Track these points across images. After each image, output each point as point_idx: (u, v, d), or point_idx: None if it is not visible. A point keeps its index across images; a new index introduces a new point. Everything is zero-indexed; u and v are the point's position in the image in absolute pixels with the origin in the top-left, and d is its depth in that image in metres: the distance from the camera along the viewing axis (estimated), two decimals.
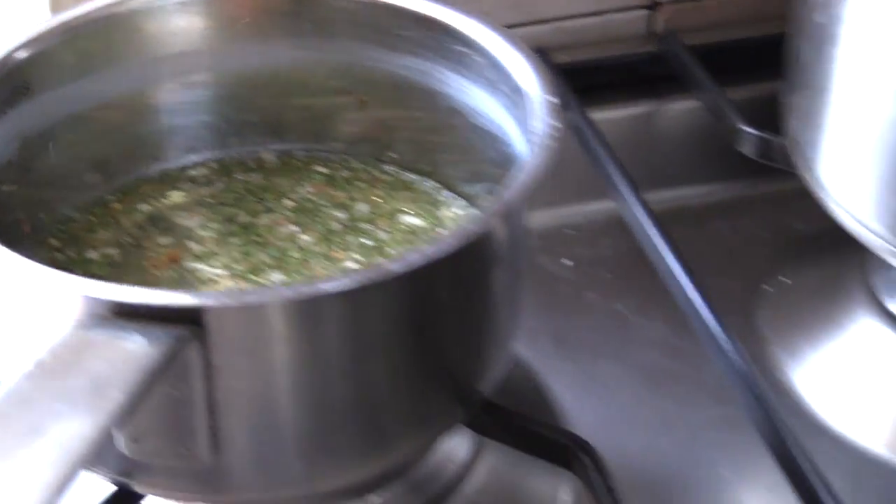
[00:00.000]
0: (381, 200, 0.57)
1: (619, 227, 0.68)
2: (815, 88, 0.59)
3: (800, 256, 0.70)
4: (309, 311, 0.41)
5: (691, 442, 0.60)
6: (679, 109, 0.76)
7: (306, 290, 0.40)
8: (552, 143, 0.45)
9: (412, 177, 0.59)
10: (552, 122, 0.46)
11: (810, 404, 0.62)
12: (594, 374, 0.64)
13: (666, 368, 0.64)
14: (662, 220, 0.67)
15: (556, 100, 0.47)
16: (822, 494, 0.49)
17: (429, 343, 0.45)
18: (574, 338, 0.66)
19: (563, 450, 0.51)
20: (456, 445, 0.55)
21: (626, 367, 0.64)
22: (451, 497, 0.54)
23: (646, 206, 0.64)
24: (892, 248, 0.57)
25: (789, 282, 0.69)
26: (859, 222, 0.58)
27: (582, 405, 0.62)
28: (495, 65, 0.51)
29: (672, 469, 0.59)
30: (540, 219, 0.72)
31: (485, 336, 0.47)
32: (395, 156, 0.59)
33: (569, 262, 0.71)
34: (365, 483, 0.50)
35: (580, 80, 0.73)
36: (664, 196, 0.74)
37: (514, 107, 0.50)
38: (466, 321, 0.45)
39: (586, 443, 0.52)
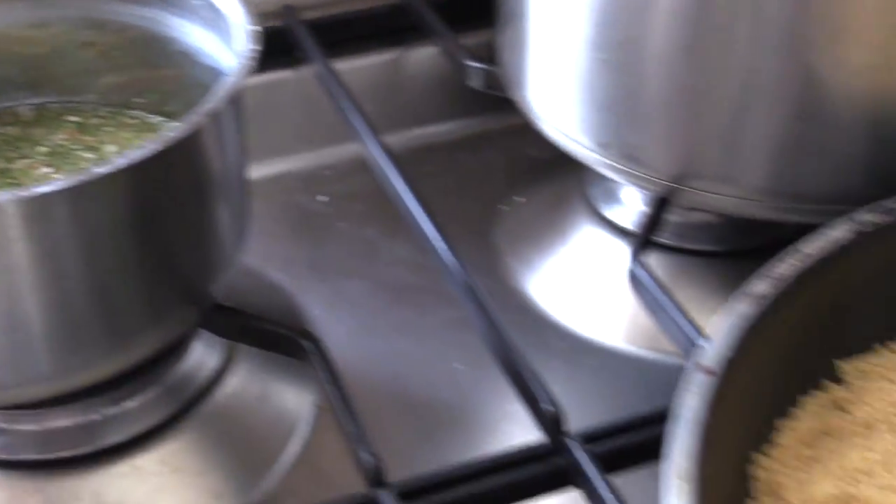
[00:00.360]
0: (129, 141, 0.63)
1: (368, 165, 0.74)
2: (515, 16, 0.66)
3: (532, 179, 0.78)
4: (32, 211, 0.46)
5: (429, 342, 0.67)
6: (422, 55, 0.82)
7: (24, 193, 0.46)
8: (249, 62, 0.52)
9: (157, 119, 0.64)
10: (251, 45, 0.53)
11: (543, 307, 0.69)
12: (344, 292, 0.70)
13: (409, 282, 0.71)
14: (412, 156, 0.74)
15: (257, 28, 0.54)
16: (531, 381, 0.55)
17: (152, 242, 0.50)
18: (327, 262, 0.72)
19: (290, 341, 0.57)
20: (208, 352, 0.61)
21: (374, 284, 0.71)
22: (204, 400, 0.60)
23: (383, 146, 0.70)
24: (599, 158, 0.64)
25: (522, 200, 0.76)
26: (569, 137, 0.65)
27: (332, 319, 0.68)
28: (209, 5, 0.57)
29: (411, 365, 0.66)
30: (297, 162, 0.79)
31: (207, 239, 0.53)
32: (141, 101, 0.64)
33: (324, 198, 0.77)
34: (117, 384, 0.56)
35: (329, 34, 0.80)
36: (414, 134, 0.81)
37: (229, 40, 0.56)
38: (185, 222, 0.51)
39: (308, 331, 0.58)
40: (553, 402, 0.52)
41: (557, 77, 0.63)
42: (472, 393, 0.64)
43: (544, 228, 0.73)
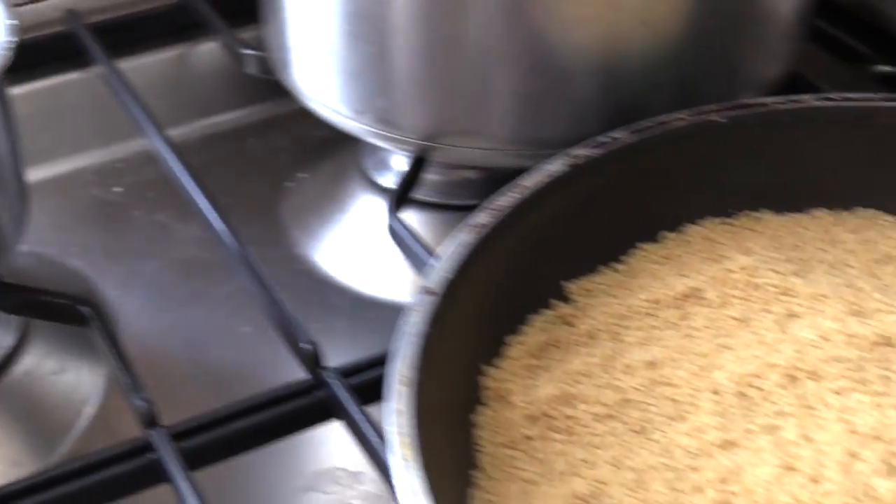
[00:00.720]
0: None
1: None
2: (275, 2, 0.71)
3: (315, 157, 0.83)
4: None
5: (218, 310, 0.72)
6: (204, 51, 0.87)
7: None
8: (7, 52, 0.56)
9: None
10: (9, 37, 0.57)
11: (326, 271, 0.75)
12: (139, 272, 0.75)
13: (199, 259, 0.75)
14: (202, 145, 0.79)
15: (14, 22, 0.58)
16: (291, 325, 0.60)
17: None
18: (123, 247, 0.77)
19: (70, 310, 0.62)
20: (0, 332, 0.65)
21: (167, 263, 0.75)
22: (1, 378, 0.64)
23: (165, 138, 0.75)
24: (358, 125, 0.69)
25: (306, 177, 0.81)
26: (330, 109, 0.70)
27: (128, 297, 0.73)
28: None
29: (201, 332, 0.70)
30: (92, 158, 0.83)
31: None
32: None
33: (119, 189, 0.82)
34: None
35: (113, 36, 0.84)
36: (202, 125, 0.86)
37: None
38: None
39: (88, 298, 0.62)
40: (311, 341, 0.57)
41: (314, 54, 0.69)
42: (258, 352, 0.68)
43: (325, 200, 0.79)
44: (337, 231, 0.76)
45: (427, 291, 0.50)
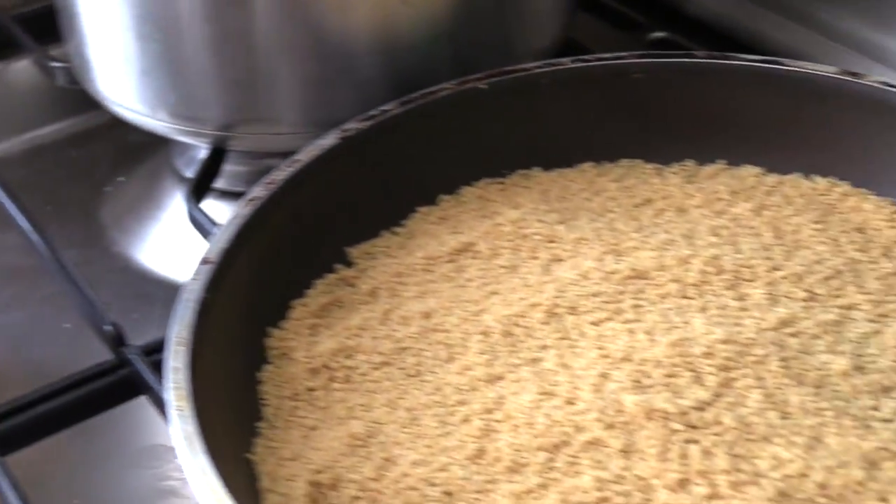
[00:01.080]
0: None
1: None
2: (72, 15, 0.75)
3: (132, 160, 0.86)
4: None
5: (40, 310, 0.75)
6: (19, 68, 0.90)
7: None
8: None
9: None
10: None
11: (146, 265, 0.78)
12: None
13: (20, 265, 0.78)
14: (25, 158, 0.84)
15: None
16: (94, 310, 0.64)
17: None
18: None
19: None
20: None
21: None
22: None
23: None
24: (156, 122, 0.72)
25: (123, 180, 0.85)
26: (129, 110, 0.73)
27: None
28: None
29: (26, 332, 0.73)
30: None
31: None
32: None
33: None
34: None
35: None
36: (24, 139, 0.89)
37: None
38: None
39: None
40: (112, 323, 0.61)
41: (109, 58, 0.72)
42: (78, 345, 0.71)
43: (142, 200, 0.82)
44: (153, 228, 0.80)
45: (204, 261, 0.54)
